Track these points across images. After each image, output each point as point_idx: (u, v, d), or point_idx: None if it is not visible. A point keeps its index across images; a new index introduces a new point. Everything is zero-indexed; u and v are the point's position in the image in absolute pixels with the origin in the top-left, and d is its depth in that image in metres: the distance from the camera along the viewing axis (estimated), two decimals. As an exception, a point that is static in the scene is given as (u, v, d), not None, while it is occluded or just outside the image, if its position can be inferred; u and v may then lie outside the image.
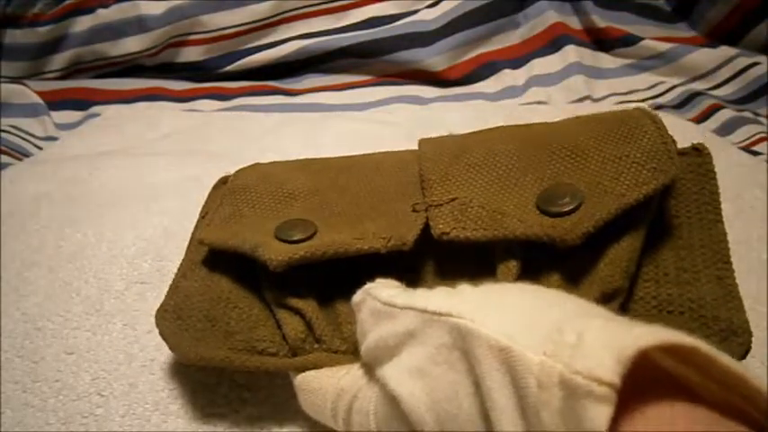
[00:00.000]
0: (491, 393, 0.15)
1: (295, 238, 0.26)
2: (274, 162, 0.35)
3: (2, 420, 0.29)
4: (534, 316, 0.16)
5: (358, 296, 0.23)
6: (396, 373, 0.19)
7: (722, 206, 0.25)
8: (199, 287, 0.29)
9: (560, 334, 0.14)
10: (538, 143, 0.27)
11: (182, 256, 0.32)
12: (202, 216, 0.35)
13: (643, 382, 0.14)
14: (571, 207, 0.24)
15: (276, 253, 0.25)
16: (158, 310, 0.29)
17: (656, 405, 0.14)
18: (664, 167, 0.24)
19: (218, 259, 0.30)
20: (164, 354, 0.31)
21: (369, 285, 0.23)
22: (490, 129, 0.31)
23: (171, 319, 0.28)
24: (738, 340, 0.22)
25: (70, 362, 0.32)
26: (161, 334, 0.28)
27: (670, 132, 0.26)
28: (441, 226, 0.25)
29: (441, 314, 0.18)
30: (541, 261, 0.24)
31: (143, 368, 0.31)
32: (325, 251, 0.25)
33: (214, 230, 0.30)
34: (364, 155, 0.34)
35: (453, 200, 0.26)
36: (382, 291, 0.22)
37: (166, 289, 0.30)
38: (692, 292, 0.24)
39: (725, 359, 0.13)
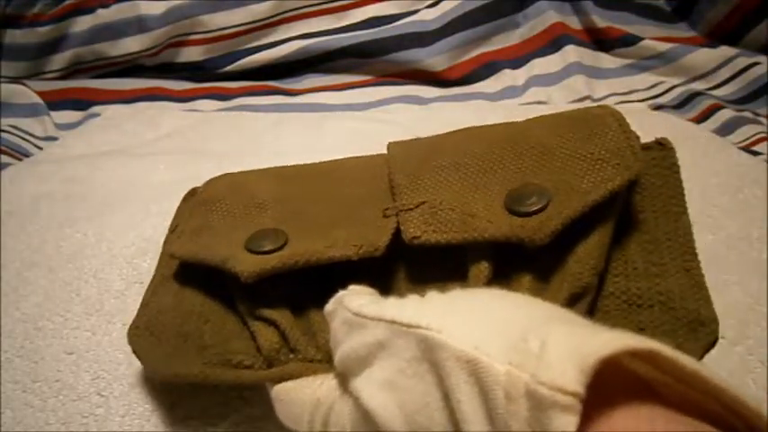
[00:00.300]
0: (460, 405, 0.15)
1: (266, 249, 0.26)
2: (244, 171, 0.34)
3: (2, 420, 0.29)
4: (501, 323, 0.17)
5: (330, 305, 0.23)
6: (367, 387, 0.19)
7: (722, 205, 0.25)
8: (170, 302, 0.28)
9: (525, 343, 0.15)
10: (504, 143, 0.28)
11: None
12: (172, 229, 0.34)
13: (610, 383, 0.14)
14: (539, 206, 0.24)
15: (247, 265, 0.25)
16: (130, 328, 0.28)
17: (620, 407, 0.14)
18: (628, 164, 0.24)
19: (189, 273, 0.29)
20: (164, 354, 0.31)
21: (341, 294, 0.23)
22: (457, 130, 0.31)
23: (143, 335, 0.28)
24: (706, 330, 0.23)
25: (70, 362, 0.32)
26: (134, 352, 0.27)
27: (670, 131, 0.26)
28: (411, 230, 0.25)
29: (410, 326, 0.18)
30: (512, 261, 0.24)
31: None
32: (297, 260, 0.25)
33: (184, 243, 0.30)
34: (334, 161, 0.34)
35: (423, 203, 0.26)
36: (353, 300, 0.22)
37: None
38: (661, 284, 0.24)
39: (685, 360, 0.14)
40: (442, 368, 0.16)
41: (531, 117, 0.30)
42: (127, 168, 0.52)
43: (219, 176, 0.34)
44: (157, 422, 0.28)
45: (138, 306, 0.35)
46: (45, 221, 0.44)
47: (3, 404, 0.30)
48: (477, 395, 0.15)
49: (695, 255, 0.25)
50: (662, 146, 0.28)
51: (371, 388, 0.19)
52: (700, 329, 0.23)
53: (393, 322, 0.19)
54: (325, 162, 0.34)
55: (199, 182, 0.37)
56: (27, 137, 0.66)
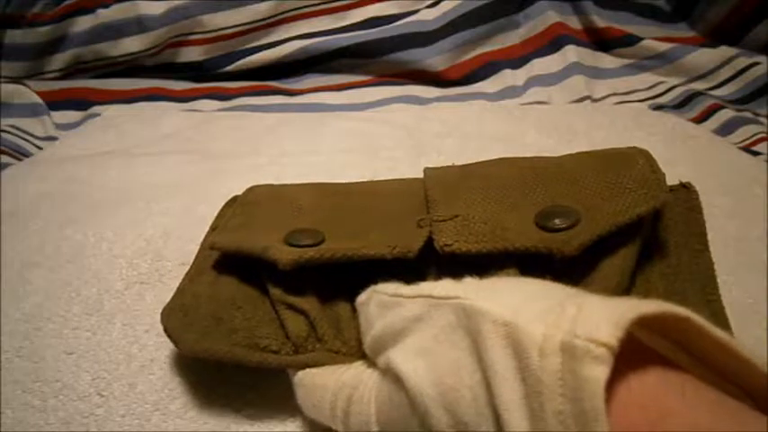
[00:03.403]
0: (494, 366, 0.16)
1: (304, 243, 0.28)
2: (283, 184, 0.37)
3: (2, 420, 0.29)
4: (537, 296, 0.17)
5: (363, 296, 0.24)
6: (401, 354, 0.20)
7: (722, 205, 0.26)
8: (206, 290, 0.30)
9: (562, 308, 0.15)
10: (536, 172, 0.29)
11: (181, 257, 0.32)
12: (212, 229, 0.36)
13: (633, 353, 0.14)
14: (568, 224, 0.25)
15: (285, 254, 0.26)
16: (165, 308, 0.30)
17: (651, 372, 0.14)
18: (654, 193, 0.25)
19: (225, 266, 0.31)
20: (163, 354, 0.31)
21: (373, 287, 0.24)
22: (490, 160, 0.33)
23: (177, 315, 0.29)
24: None
25: (70, 362, 0.32)
26: (165, 329, 0.28)
27: (669, 131, 0.27)
28: (444, 239, 0.26)
29: (448, 297, 0.19)
30: (538, 275, 0.25)
31: (143, 368, 0.31)
32: (333, 254, 0.26)
33: (225, 236, 0.32)
34: (371, 181, 0.36)
35: (456, 216, 0.27)
36: (389, 285, 0.23)
37: (166, 289, 0.30)
38: None
39: (716, 331, 0.15)
40: (478, 332, 0.17)
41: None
42: (127, 168, 0.52)
43: (260, 185, 0.37)
44: (157, 422, 0.28)
45: (140, 306, 0.35)
46: (45, 221, 0.44)
47: (3, 404, 0.30)
48: (511, 356, 0.15)
49: (717, 289, 0.25)
50: (686, 188, 0.29)
51: (405, 355, 0.19)
52: None
53: (431, 296, 0.20)
54: (361, 182, 0.36)
55: (199, 182, 0.37)
56: (27, 137, 0.66)
